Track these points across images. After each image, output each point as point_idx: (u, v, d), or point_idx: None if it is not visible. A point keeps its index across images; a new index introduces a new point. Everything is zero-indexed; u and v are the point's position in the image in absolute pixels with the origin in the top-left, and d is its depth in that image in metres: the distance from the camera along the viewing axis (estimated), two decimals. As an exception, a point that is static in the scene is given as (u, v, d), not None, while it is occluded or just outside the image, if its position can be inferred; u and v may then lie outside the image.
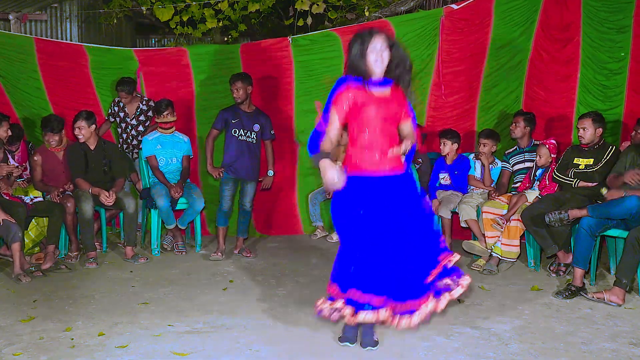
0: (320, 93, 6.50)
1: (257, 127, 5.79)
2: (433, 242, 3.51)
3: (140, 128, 6.36)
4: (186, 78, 6.48)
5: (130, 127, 6.35)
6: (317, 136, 3.47)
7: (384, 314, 3.41)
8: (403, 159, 3.51)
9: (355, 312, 3.42)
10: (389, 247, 3.43)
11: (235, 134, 5.73)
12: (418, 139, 3.62)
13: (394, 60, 3.43)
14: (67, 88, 6.47)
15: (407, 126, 3.58)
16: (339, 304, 3.45)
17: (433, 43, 6.23)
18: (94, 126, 5.68)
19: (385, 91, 3.47)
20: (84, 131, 5.63)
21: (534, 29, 6.13)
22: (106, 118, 6.43)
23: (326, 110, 3.48)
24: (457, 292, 3.44)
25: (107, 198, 5.55)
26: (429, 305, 3.43)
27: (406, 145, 3.45)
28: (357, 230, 3.44)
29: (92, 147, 5.70)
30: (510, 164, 5.76)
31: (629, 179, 4.65)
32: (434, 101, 6.39)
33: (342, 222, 3.50)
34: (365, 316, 3.40)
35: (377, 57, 3.38)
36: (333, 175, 3.33)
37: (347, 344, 3.63)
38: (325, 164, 3.34)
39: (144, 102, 6.35)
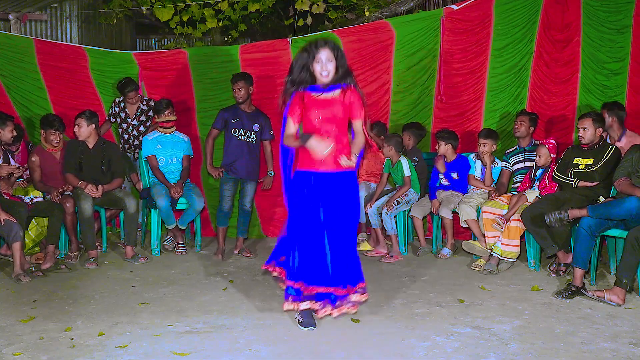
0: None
1: (256, 127, 5.79)
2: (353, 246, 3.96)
3: (142, 128, 6.36)
4: (186, 80, 6.48)
5: (131, 128, 6.35)
6: (285, 151, 3.98)
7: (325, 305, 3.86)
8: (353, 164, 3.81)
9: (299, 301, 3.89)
10: (325, 237, 3.83)
11: (235, 134, 5.73)
12: (366, 138, 3.93)
13: (340, 69, 3.76)
14: (68, 88, 6.47)
15: (356, 126, 3.89)
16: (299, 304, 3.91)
17: (435, 44, 6.23)
18: (93, 125, 5.68)
19: (328, 95, 3.79)
20: (82, 129, 5.64)
21: (535, 30, 6.13)
22: (107, 118, 6.44)
23: (284, 122, 3.91)
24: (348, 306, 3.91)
25: (93, 191, 5.54)
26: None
27: (354, 157, 3.76)
28: (303, 220, 3.85)
29: (90, 146, 5.71)
30: (510, 163, 5.77)
31: None
32: (439, 102, 6.39)
33: (291, 212, 3.93)
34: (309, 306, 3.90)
35: (323, 68, 3.72)
36: (322, 147, 3.71)
37: (311, 328, 3.88)
38: (312, 141, 3.72)
39: (144, 102, 6.35)
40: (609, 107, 5.46)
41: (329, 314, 3.89)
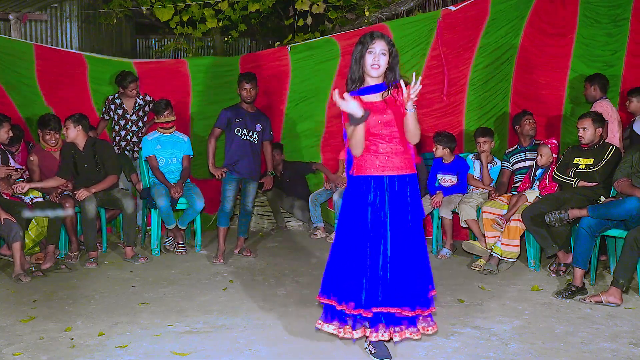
0: (314, 98, 6.55)
1: (259, 127, 5.80)
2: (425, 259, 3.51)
3: (140, 123, 6.38)
4: (185, 89, 6.57)
5: (130, 123, 6.36)
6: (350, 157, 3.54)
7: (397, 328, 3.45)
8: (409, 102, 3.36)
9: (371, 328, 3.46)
10: (388, 249, 3.41)
11: (239, 134, 5.73)
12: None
13: (391, 67, 3.46)
14: (63, 96, 6.45)
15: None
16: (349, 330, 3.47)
17: (426, 43, 6.26)
18: (80, 127, 5.62)
19: (380, 96, 3.48)
20: (70, 131, 5.61)
21: (522, 25, 6.16)
22: (100, 117, 6.44)
23: (344, 129, 3.52)
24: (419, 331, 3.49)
25: (83, 194, 5.48)
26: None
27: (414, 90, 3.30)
28: (362, 231, 3.43)
29: (81, 148, 5.68)
30: (510, 163, 5.77)
31: None
32: (422, 99, 6.39)
33: (347, 222, 3.49)
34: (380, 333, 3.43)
35: (374, 60, 3.41)
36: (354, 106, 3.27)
37: (387, 359, 3.46)
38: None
39: (141, 97, 6.39)
40: (590, 78, 5.85)
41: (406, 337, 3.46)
